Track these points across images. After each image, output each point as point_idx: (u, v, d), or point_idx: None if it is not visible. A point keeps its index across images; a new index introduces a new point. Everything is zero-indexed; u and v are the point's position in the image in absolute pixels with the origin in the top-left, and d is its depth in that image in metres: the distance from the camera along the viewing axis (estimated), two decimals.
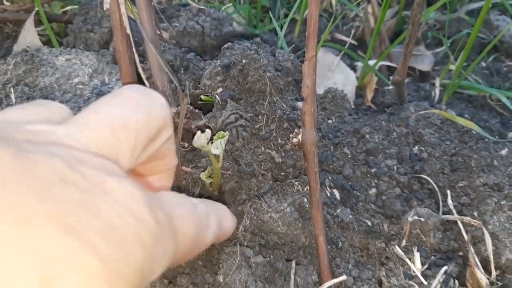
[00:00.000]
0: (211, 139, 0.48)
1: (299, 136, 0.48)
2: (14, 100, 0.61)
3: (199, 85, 0.63)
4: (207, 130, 0.47)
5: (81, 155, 0.26)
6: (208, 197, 0.56)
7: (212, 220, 0.37)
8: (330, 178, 0.58)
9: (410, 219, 0.54)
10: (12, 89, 0.63)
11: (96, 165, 0.26)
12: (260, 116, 0.58)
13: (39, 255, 0.20)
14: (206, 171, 0.52)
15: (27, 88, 0.62)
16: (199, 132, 0.46)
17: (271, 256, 0.52)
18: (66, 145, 0.26)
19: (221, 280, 0.47)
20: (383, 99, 0.77)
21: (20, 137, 0.25)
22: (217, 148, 0.49)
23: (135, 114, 0.31)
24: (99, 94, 0.64)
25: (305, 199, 0.53)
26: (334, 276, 0.51)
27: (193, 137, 0.57)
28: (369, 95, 0.76)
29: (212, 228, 0.37)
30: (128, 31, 0.43)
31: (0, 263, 0.19)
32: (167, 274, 0.49)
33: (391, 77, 0.67)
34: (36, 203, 0.21)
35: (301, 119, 0.48)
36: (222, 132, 0.49)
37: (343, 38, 0.93)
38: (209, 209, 0.38)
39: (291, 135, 0.49)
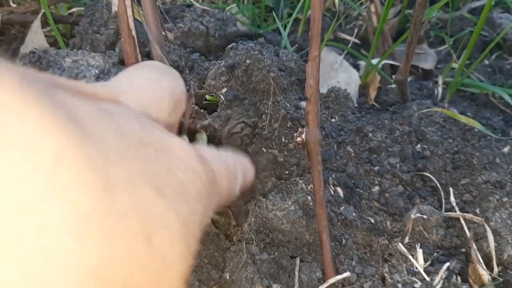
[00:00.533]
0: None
1: (303, 135, 0.49)
2: None
3: (204, 85, 0.64)
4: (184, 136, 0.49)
5: (139, 115, 0.26)
6: None
7: (239, 171, 0.38)
8: (333, 176, 0.59)
9: (413, 216, 0.54)
10: None
11: (152, 123, 0.26)
12: (264, 116, 0.58)
13: (142, 213, 0.20)
14: None
15: None
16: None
17: (276, 253, 0.53)
18: (124, 105, 0.27)
19: (228, 277, 0.48)
20: (386, 98, 0.78)
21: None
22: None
23: (165, 76, 0.32)
24: None
25: (309, 197, 0.54)
26: (338, 272, 0.52)
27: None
28: (372, 93, 0.77)
29: (239, 180, 0.37)
30: (134, 33, 0.44)
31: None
32: None
33: (394, 76, 0.67)
34: (129, 161, 0.21)
35: (305, 119, 0.48)
36: (199, 133, 0.51)
37: (346, 37, 0.94)
38: (237, 160, 0.39)
39: (295, 135, 0.50)
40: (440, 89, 0.80)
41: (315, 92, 0.48)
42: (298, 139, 0.50)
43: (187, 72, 0.67)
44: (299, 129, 0.50)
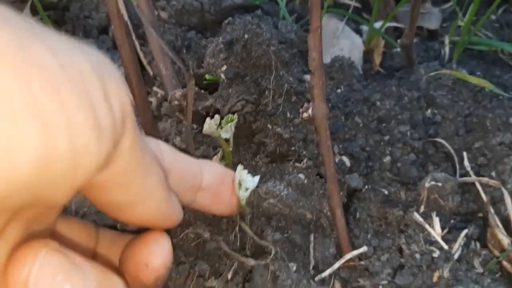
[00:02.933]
0: (220, 123, 0.48)
1: (309, 111, 0.47)
2: None
3: (202, 64, 0.62)
4: (216, 116, 0.46)
5: None
6: None
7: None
8: (340, 146, 0.57)
9: (427, 185, 0.53)
10: None
11: None
12: (267, 92, 0.57)
13: None
14: (219, 155, 0.52)
15: None
16: (208, 119, 0.46)
17: (289, 231, 0.52)
18: None
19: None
20: (391, 62, 0.76)
21: None
22: (227, 131, 0.49)
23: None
24: None
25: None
26: (354, 247, 0.51)
27: (199, 119, 0.57)
28: (377, 59, 0.74)
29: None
30: (126, 18, 0.42)
31: None
32: None
33: (399, 40, 0.65)
34: None
35: (310, 93, 0.47)
36: (230, 115, 0.49)
37: (346, 1, 0.91)
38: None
39: (300, 110, 0.48)
40: (447, 49, 0.78)
41: (319, 65, 0.46)
42: (305, 114, 0.48)
43: (184, 51, 0.65)
44: (305, 104, 0.48)
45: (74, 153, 0.23)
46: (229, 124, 0.48)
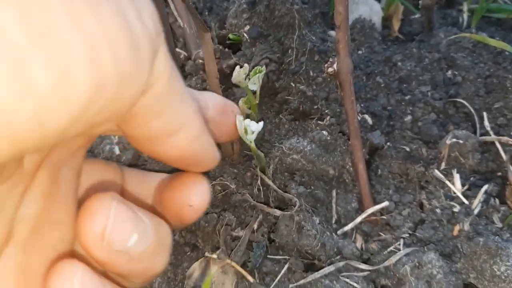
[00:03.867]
0: (248, 74, 0.48)
1: (334, 65, 0.48)
2: None
3: (224, 25, 0.63)
4: (245, 65, 0.46)
5: None
6: None
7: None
8: (362, 105, 0.58)
9: (448, 141, 0.54)
10: None
11: None
12: (290, 51, 0.57)
13: None
14: (245, 98, 0.51)
15: None
16: (237, 67, 0.46)
17: (312, 187, 0.53)
18: None
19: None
20: (410, 29, 0.76)
21: None
22: (255, 83, 0.49)
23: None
24: None
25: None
26: (375, 202, 0.52)
27: (225, 77, 0.57)
28: (396, 25, 0.74)
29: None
30: None
31: None
32: None
33: (420, 1, 0.65)
34: None
35: (335, 48, 0.47)
36: (259, 67, 0.49)
37: None
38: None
39: (325, 65, 0.49)
40: (465, 17, 0.78)
41: (345, 20, 0.47)
42: (330, 69, 0.48)
43: (207, 13, 0.65)
44: (330, 59, 0.48)
45: (120, 75, 0.22)
46: (257, 75, 0.48)
